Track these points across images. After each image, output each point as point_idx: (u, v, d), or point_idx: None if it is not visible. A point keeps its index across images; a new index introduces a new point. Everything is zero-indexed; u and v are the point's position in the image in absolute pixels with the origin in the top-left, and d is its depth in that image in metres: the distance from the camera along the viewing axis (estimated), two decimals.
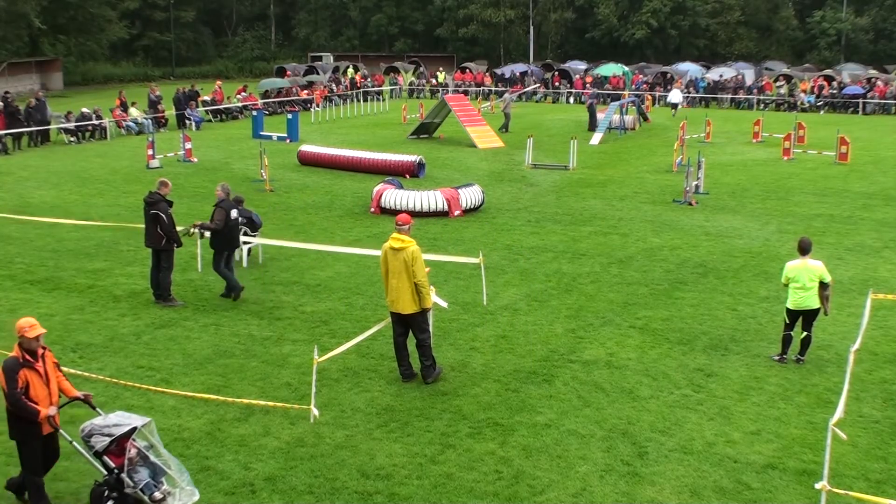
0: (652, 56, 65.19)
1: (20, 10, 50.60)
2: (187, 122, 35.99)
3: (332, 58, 67.24)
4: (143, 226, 13.63)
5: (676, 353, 11.33)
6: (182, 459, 8.36)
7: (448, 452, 8.60)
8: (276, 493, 7.84)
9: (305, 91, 47.02)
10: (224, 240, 13.41)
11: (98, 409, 7.69)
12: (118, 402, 9.65)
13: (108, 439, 7.22)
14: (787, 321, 11.00)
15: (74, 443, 7.44)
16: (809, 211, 20.32)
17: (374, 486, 7.96)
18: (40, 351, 7.30)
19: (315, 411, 9.24)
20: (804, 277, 10.76)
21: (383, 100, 49.38)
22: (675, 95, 43.79)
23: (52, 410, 7.27)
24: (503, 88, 53.04)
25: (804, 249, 10.90)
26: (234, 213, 13.60)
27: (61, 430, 7.42)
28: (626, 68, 54.43)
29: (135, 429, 7.32)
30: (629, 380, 10.42)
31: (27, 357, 7.19)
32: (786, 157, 28.14)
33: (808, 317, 10.93)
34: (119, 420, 7.38)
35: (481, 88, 54.28)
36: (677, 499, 7.82)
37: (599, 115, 35.47)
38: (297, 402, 9.59)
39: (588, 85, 51.58)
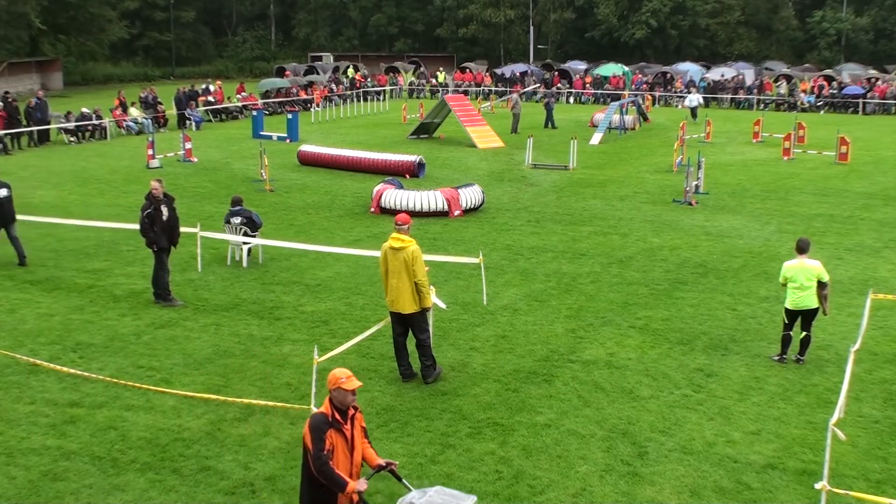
0: (652, 56, 65.20)
1: (20, 10, 50.59)
2: (187, 122, 35.99)
3: (332, 58, 67.23)
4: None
5: (676, 353, 11.33)
6: (182, 459, 8.39)
7: (448, 452, 8.60)
8: (276, 493, 7.84)
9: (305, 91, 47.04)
10: None
11: (405, 481, 6.37)
12: (118, 402, 9.67)
13: None
14: (786, 321, 11.00)
15: None
16: (809, 211, 20.31)
17: (374, 485, 7.95)
18: (351, 411, 6.11)
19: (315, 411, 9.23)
20: (801, 277, 10.76)
21: (383, 100, 49.38)
22: (694, 99, 41.64)
23: (362, 485, 6.00)
24: (503, 88, 53.05)
25: (802, 249, 10.91)
26: (3, 192, 14.92)
27: None
28: (626, 68, 54.42)
29: None
30: (629, 380, 10.42)
31: (337, 416, 6.01)
32: (786, 157, 28.14)
33: (807, 317, 10.92)
34: (443, 500, 5.96)
35: (481, 88, 54.28)
36: (677, 499, 7.82)
37: (599, 116, 35.53)
38: (297, 402, 9.59)
39: (587, 85, 51.55)
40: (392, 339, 10.49)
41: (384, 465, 6.22)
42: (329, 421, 5.97)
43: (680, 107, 46.31)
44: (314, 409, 9.20)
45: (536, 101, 52.06)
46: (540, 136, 31.43)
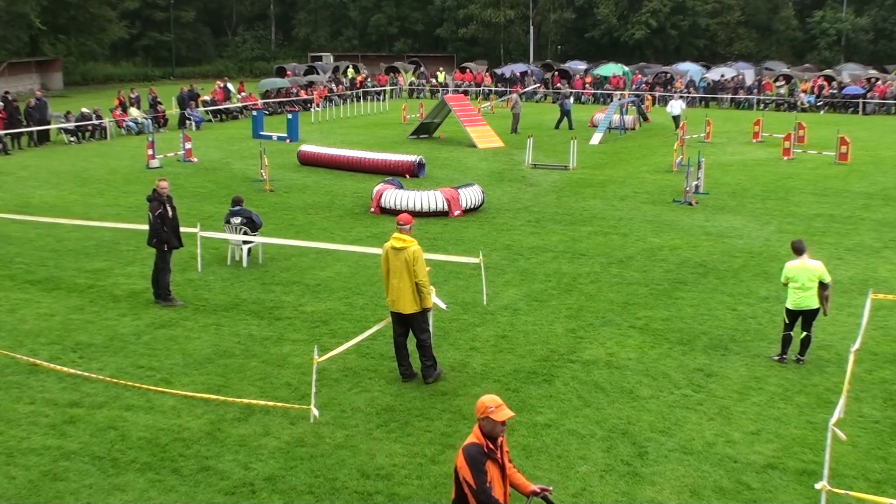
0: (652, 56, 65.23)
1: (20, 10, 50.59)
2: (187, 122, 36.00)
3: (332, 58, 67.26)
4: (143, 226, 13.68)
5: (676, 353, 11.33)
6: (182, 459, 8.39)
7: (448, 452, 8.59)
8: (276, 493, 7.84)
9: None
10: None
11: None
12: (118, 402, 9.67)
13: None
14: (787, 321, 11.00)
15: None
16: (809, 211, 20.31)
17: (374, 486, 7.96)
18: (500, 439, 5.75)
19: (315, 411, 9.24)
20: (803, 277, 10.76)
21: (383, 100, 49.38)
22: (676, 106, 36.28)
23: None
24: (503, 88, 53.06)
25: (798, 251, 10.91)
26: None
27: None
28: (626, 68, 54.43)
29: None
30: (629, 380, 10.42)
31: (490, 445, 5.65)
32: (786, 157, 28.14)
33: (808, 317, 10.92)
34: None
35: (481, 88, 54.29)
36: (677, 499, 7.82)
37: (599, 115, 35.53)
38: (297, 402, 9.59)
39: (588, 85, 51.56)
40: (392, 339, 10.49)
41: (538, 491, 5.89)
42: (485, 451, 5.62)
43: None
44: (314, 410, 9.24)
45: (536, 101, 52.15)
46: (540, 136, 31.42)
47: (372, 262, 14.58)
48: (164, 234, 13.11)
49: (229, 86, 43.75)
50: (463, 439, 8.80)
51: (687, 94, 49.58)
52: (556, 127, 36.65)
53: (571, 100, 40.98)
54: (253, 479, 8.05)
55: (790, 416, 9.47)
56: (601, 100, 49.62)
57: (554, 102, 51.57)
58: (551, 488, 5.96)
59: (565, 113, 36.86)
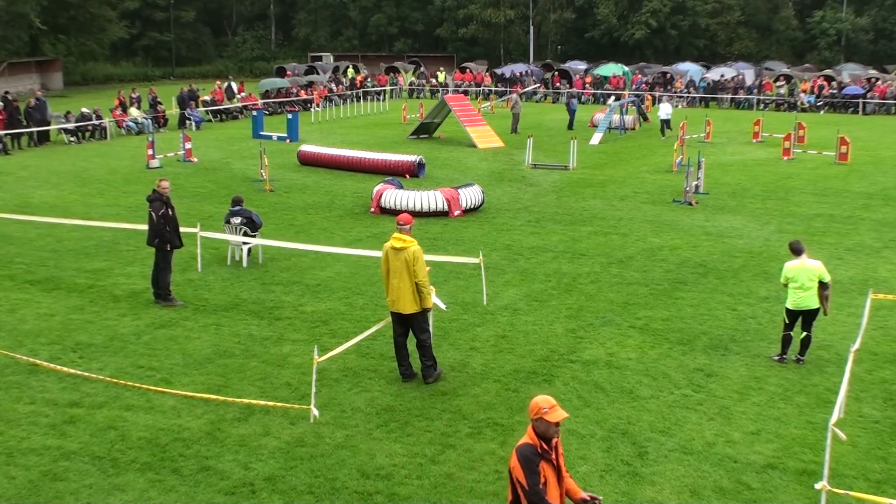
0: (652, 56, 65.21)
1: (20, 10, 50.60)
2: (187, 122, 36.00)
3: (332, 58, 67.26)
4: (143, 226, 13.67)
5: (676, 353, 11.33)
6: (182, 459, 8.39)
7: (448, 452, 8.60)
8: (276, 493, 7.84)
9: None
10: None
11: None
12: (118, 402, 9.67)
13: None
14: (787, 321, 10.99)
15: None
16: (809, 211, 20.32)
17: (374, 486, 7.96)
18: (555, 440, 5.64)
19: (315, 411, 9.24)
20: (803, 277, 10.76)
21: (383, 100, 49.38)
22: (665, 109, 34.75)
23: None
24: (503, 88, 53.06)
25: (796, 251, 10.91)
26: None
27: None
28: (626, 68, 54.43)
29: None
30: (629, 380, 10.42)
31: (544, 446, 5.55)
32: (786, 157, 28.14)
33: (808, 317, 10.92)
34: None
35: (481, 88, 54.29)
36: (677, 499, 7.82)
37: (599, 115, 35.51)
38: (297, 402, 9.59)
39: (588, 85, 51.59)
40: (392, 339, 10.49)
41: (588, 499, 5.80)
42: (539, 452, 5.52)
43: (679, 106, 46.20)
44: (314, 410, 9.24)
45: (536, 101, 52.15)
46: (540, 136, 31.41)
47: (372, 262, 14.58)
48: (168, 234, 13.12)
49: (233, 85, 43.95)
50: (463, 439, 8.85)
51: (686, 94, 49.61)
52: (570, 128, 36.09)
53: (577, 101, 40.91)
54: (253, 479, 8.05)
55: (790, 416, 9.48)
56: (601, 100, 49.55)
57: (554, 102, 51.67)
58: (601, 497, 5.88)
59: (572, 113, 36.79)
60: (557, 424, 5.50)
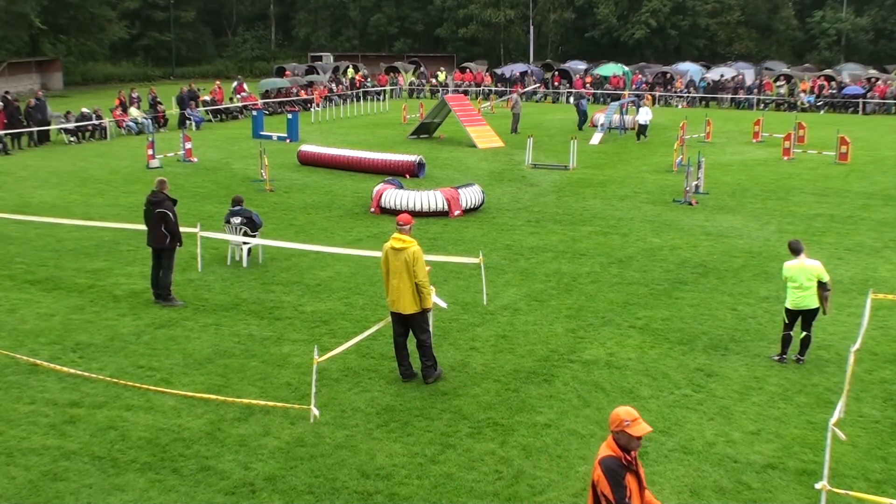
0: (652, 56, 65.19)
1: (20, 10, 50.60)
2: (187, 122, 36.01)
3: (332, 58, 67.26)
4: (143, 226, 13.63)
5: (676, 353, 11.33)
6: (182, 459, 8.39)
7: (448, 452, 8.60)
8: (276, 493, 7.84)
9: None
10: None
11: None
12: (118, 402, 9.67)
13: None
14: (787, 321, 11.00)
15: None
16: (809, 211, 20.32)
17: (374, 486, 7.96)
18: (635, 453, 5.54)
19: (315, 411, 9.24)
20: (801, 277, 10.76)
21: (383, 100, 49.38)
22: (645, 114, 33.59)
23: None
24: (503, 88, 53.06)
25: (795, 251, 10.91)
26: None
27: None
28: (626, 68, 54.43)
29: None
30: (629, 380, 10.42)
31: (627, 458, 5.45)
32: (786, 157, 28.14)
33: (808, 317, 10.92)
34: None
35: (481, 88, 54.29)
36: (677, 499, 7.82)
37: (599, 115, 35.48)
38: (297, 402, 9.59)
39: (588, 85, 51.62)
40: (392, 339, 10.49)
41: None
42: (623, 464, 5.41)
43: (679, 106, 46.17)
44: (314, 410, 9.23)
45: (536, 101, 52.13)
46: (540, 136, 31.42)
47: (372, 262, 14.58)
48: (179, 233, 13.24)
49: (245, 84, 44.65)
50: (463, 439, 8.85)
51: (686, 94, 49.60)
52: (580, 128, 35.86)
53: (586, 101, 40.62)
54: (253, 479, 8.05)
55: (790, 416, 9.48)
56: (601, 100, 49.55)
57: (554, 102, 51.66)
58: None
59: (582, 114, 36.65)
60: (640, 438, 5.39)
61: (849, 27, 64.59)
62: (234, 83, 45.69)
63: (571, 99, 47.64)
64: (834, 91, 46.44)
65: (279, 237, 16.62)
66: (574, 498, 7.81)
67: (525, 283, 14.42)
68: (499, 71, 58.67)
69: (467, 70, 58.28)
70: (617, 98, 43.13)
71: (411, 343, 10.37)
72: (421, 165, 24.94)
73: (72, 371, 10.45)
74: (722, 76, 51.75)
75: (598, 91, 51.08)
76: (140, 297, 13.53)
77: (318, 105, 43.84)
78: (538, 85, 54.33)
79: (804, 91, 47.08)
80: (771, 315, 12.67)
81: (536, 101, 52.30)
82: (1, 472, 8.11)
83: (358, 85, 52.05)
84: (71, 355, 11.09)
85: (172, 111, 37.43)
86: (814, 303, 10.81)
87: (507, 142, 31.67)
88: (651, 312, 12.94)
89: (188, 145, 27.55)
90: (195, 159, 27.28)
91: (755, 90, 48.57)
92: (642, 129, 33.10)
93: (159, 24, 69.61)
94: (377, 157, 25.61)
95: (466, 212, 19.80)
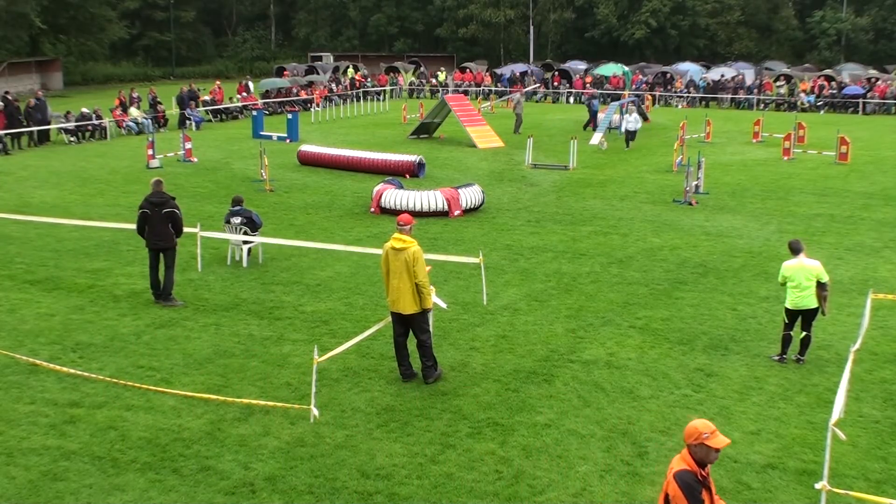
0: (652, 56, 65.21)
1: (20, 10, 50.62)
2: (187, 122, 36.01)
3: (332, 58, 67.28)
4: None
5: (676, 353, 11.33)
6: (182, 459, 8.39)
7: (448, 452, 8.60)
8: (276, 493, 7.84)
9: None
10: None
11: None
12: (118, 402, 9.67)
13: None
14: (787, 321, 11.00)
15: None
16: (809, 211, 20.32)
17: (374, 486, 7.96)
18: (709, 468, 5.43)
19: (315, 411, 9.24)
20: (800, 277, 10.75)
21: (383, 100, 49.39)
22: (631, 121, 31.77)
23: None
24: (503, 88, 53.06)
25: (795, 250, 10.91)
26: None
27: None
28: (626, 68, 54.44)
29: None
30: (629, 380, 10.42)
31: (703, 473, 5.34)
32: (786, 157, 28.14)
33: (807, 316, 10.92)
34: None
35: (481, 88, 54.30)
36: None
37: (600, 116, 35.47)
38: (297, 402, 9.59)
39: (588, 85, 51.66)
40: (392, 339, 10.49)
41: None
42: (699, 479, 5.30)
43: (679, 107, 46.17)
44: (314, 410, 9.23)
45: (536, 101, 52.12)
46: (540, 136, 31.41)
47: (372, 262, 14.58)
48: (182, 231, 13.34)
49: (250, 84, 45.20)
50: (463, 439, 8.84)
51: (686, 94, 49.61)
52: (585, 128, 35.80)
53: (598, 101, 40.28)
54: (253, 479, 8.05)
55: (790, 416, 9.48)
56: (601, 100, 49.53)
57: (554, 102, 51.66)
58: None
59: (593, 114, 36.45)
60: (718, 450, 5.28)
61: (849, 27, 64.61)
62: (243, 82, 46.33)
63: (583, 98, 47.52)
64: (834, 91, 46.45)
65: (279, 237, 16.61)
66: (574, 498, 7.81)
67: (525, 283, 14.42)
68: (499, 71, 58.67)
69: (467, 70, 58.29)
70: (617, 98, 43.14)
71: (411, 343, 10.37)
72: (421, 165, 24.94)
73: (72, 371, 10.45)
74: (722, 76, 51.76)
75: (598, 91, 51.05)
76: (140, 297, 13.53)
77: (318, 105, 43.85)
78: (538, 85, 54.33)
79: (804, 91, 47.09)
80: (771, 315, 12.67)
81: (536, 101, 52.31)
82: (1, 472, 8.11)
83: (358, 85, 52.05)
84: (71, 355, 11.09)
85: (172, 111, 37.43)
86: (813, 303, 10.80)
87: (508, 142, 31.67)
88: (651, 312, 12.94)
89: (188, 145, 27.55)
90: (195, 159, 27.28)
91: (755, 90, 48.58)
92: (631, 136, 31.90)
93: (159, 24, 69.64)
94: (377, 157, 25.61)
95: (466, 212, 19.80)
